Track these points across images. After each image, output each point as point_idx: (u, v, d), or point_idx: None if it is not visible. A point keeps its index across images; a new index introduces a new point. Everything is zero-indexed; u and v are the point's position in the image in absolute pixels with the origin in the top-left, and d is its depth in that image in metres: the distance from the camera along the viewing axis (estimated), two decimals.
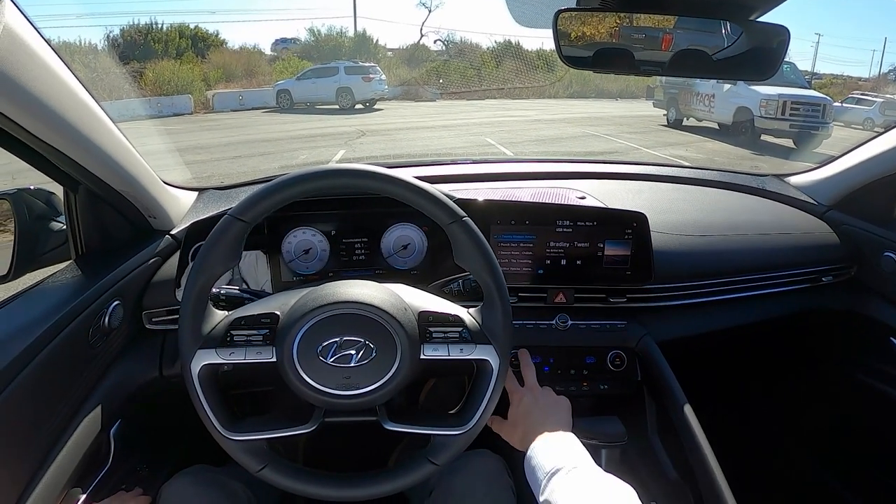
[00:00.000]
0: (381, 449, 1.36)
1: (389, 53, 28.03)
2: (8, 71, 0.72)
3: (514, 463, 1.19)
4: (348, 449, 1.35)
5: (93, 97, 0.96)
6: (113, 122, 1.03)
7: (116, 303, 1.09)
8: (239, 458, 0.84)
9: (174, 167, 7.26)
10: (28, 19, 0.76)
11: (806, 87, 12.19)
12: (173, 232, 1.28)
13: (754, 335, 1.58)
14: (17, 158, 0.92)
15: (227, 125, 14.03)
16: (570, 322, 1.31)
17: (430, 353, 0.84)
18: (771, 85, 10.94)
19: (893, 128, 1.41)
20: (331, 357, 0.80)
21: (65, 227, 1.14)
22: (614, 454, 1.19)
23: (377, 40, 28.36)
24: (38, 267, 1.09)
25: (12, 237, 1.04)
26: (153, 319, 1.20)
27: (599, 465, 1.17)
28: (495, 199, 1.27)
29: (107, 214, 1.17)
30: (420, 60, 26.26)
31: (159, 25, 22.92)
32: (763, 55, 1.05)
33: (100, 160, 1.01)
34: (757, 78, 1.09)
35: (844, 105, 17.17)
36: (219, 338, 0.82)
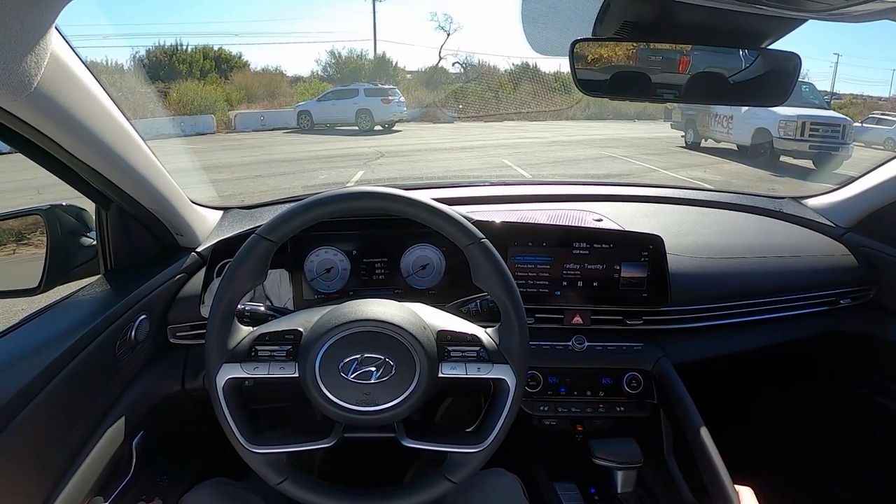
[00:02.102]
0: (395, 465, 1.37)
1: (408, 76, 28.29)
2: (54, 95, 0.76)
3: (529, 482, 1.20)
4: (362, 465, 1.36)
5: (126, 118, 0.99)
6: (145, 142, 1.07)
7: (143, 317, 1.12)
8: (260, 470, 0.86)
9: (198, 185, 7.36)
10: (71, 46, 0.79)
11: (825, 108, 12.06)
12: (199, 249, 1.32)
13: (772, 358, 1.57)
14: (43, 174, 0.95)
15: (248, 145, 14.21)
16: (586, 343, 1.32)
17: (448, 371, 0.86)
18: (790, 106, 10.82)
19: None
20: (351, 373, 0.82)
21: (95, 242, 1.18)
22: (630, 476, 1.19)
23: (396, 63, 28.64)
24: (67, 281, 1.13)
25: (43, 251, 1.08)
26: (177, 334, 1.23)
27: (615, 486, 1.18)
28: (513, 220, 1.29)
29: (136, 231, 1.20)
30: (438, 83, 26.48)
31: (184, 47, 23.40)
32: (776, 80, 1.06)
33: (133, 179, 1.05)
34: (769, 104, 1.10)
35: (864, 125, 16.93)
36: (243, 352, 0.85)
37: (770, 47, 1.01)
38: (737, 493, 1.03)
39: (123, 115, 0.98)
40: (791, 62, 1.01)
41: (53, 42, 0.72)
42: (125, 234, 1.18)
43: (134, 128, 1.02)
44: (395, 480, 0.94)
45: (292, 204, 0.86)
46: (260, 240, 0.84)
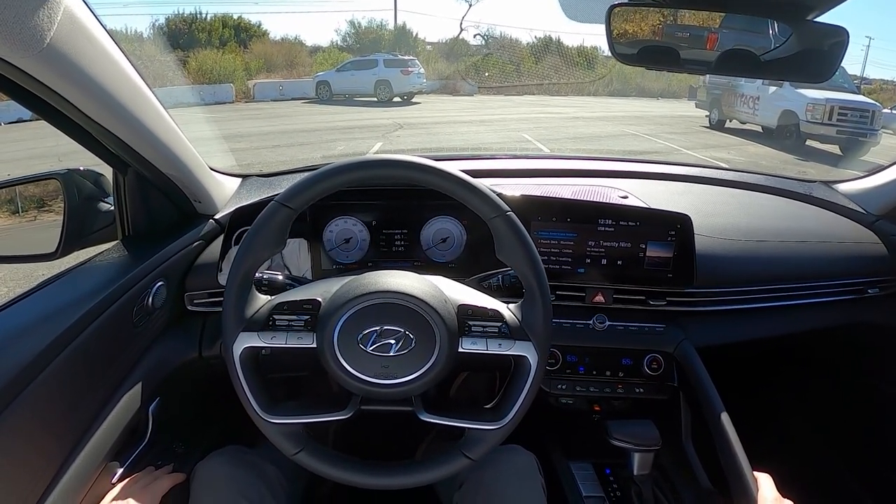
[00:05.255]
0: (409, 440, 1.37)
1: (429, 47, 28.05)
2: (68, 53, 0.74)
3: (545, 460, 1.18)
4: (375, 437, 1.36)
5: (146, 83, 0.97)
6: (164, 107, 1.05)
7: (160, 284, 1.11)
8: (276, 440, 0.85)
9: (218, 153, 7.38)
10: (87, 4, 0.77)
11: (855, 92, 11.74)
12: (217, 217, 1.30)
13: (796, 346, 1.54)
14: (65, 141, 0.94)
15: (267, 114, 14.22)
16: (607, 323, 1.29)
17: (468, 346, 0.84)
18: (818, 89, 10.59)
19: None
20: (370, 345, 0.81)
21: (112, 208, 1.17)
22: (647, 459, 1.17)
23: (416, 34, 28.44)
24: (85, 246, 1.12)
25: (61, 216, 1.07)
26: (195, 301, 1.22)
27: (631, 468, 1.17)
28: (536, 195, 1.27)
29: (154, 197, 1.19)
30: (459, 55, 26.21)
31: (203, 15, 23.36)
32: (817, 57, 1.01)
33: (150, 144, 1.03)
34: (812, 81, 1.06)
35: (894, 112, 16.54)
36: (261, 321, 0.84)
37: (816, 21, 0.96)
38: (755, 479, 1.01)
39: (142, 78, 0.96)
40: (837, 37, 0.96)
41: None
42: (143, 199, 1.17)
43: (153, 92, 1.00)
44: (407, 454, 0.93)
45: (315, 171, 0.84)
46: (279, 207, 0.82)
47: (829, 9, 0.95)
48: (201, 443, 1.30)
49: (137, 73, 0.94)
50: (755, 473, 1.02)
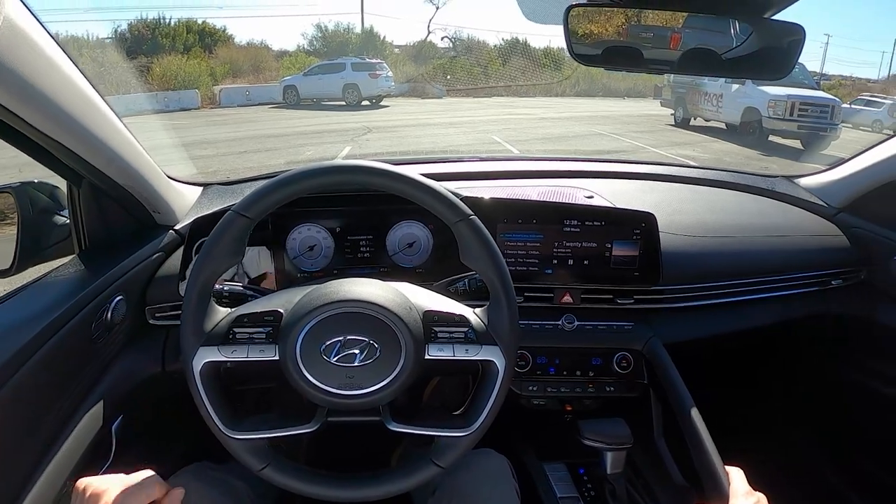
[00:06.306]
0: (385, 448, 1.35)
1: (396, 50, 28.00)
2: (8, 63, 0.71)
3: (518, 463, 1.18)
4: (351, 448, 1.34)
5: (97, 91, 0.95)
6: (117, 116, 1.02)
7: (119, 298, 1.08)
8: (241, 456, 0.83)
9: (179, 162, 7.27)
10: (31, 11, 0.74)
11: (815, 88, 12.09)
12: (177, 227, 1.28)
13: (763, 339, 1.56)
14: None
15: (233, 120, 14.03)
16: (576, 323, 1.30)
17: (434, 353, 0.83)
18: (779, 86, 10.88)
19: None
20: (334, 356, 0.79)
21: (68, 221, 1.13)
22: (619, 457, 1.17)
23: (384, 37, 28.33)
24: (41, 261, 1.08)
25: (15, 231, 1.03)
26: (156, 315, 1.19)
27: (604, 467, 1.17)
28: (502, 197, 1.26)
29: (110, 209, 1.16)
30: (427, 57, 26.21)
31: (167, 20, 22.97)
32: (776, 55, 1.03)
33: (102, 155, 1.00)
34: (771, 78, 1.08)
35: (853, 107, 17.03)
36: (221, 335, 0.82)
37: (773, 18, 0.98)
38: (727, 473, 1.02)
39: (93, 87, 0.94)
40: (794, 35, 0.98)
41: (6, 5, 0.67)
42: (99, 212, 1.14)
43: (105, 101, 0.98)
44: (383, 462, 0.92)
45: (271, 179, 0.82)
46: (236, 216, 0.80)
47: (786, 6, 0.97)
48: (168, 460, 1.27)
49: (88, 81, 0.92)
50: (727, 468, 1.03)
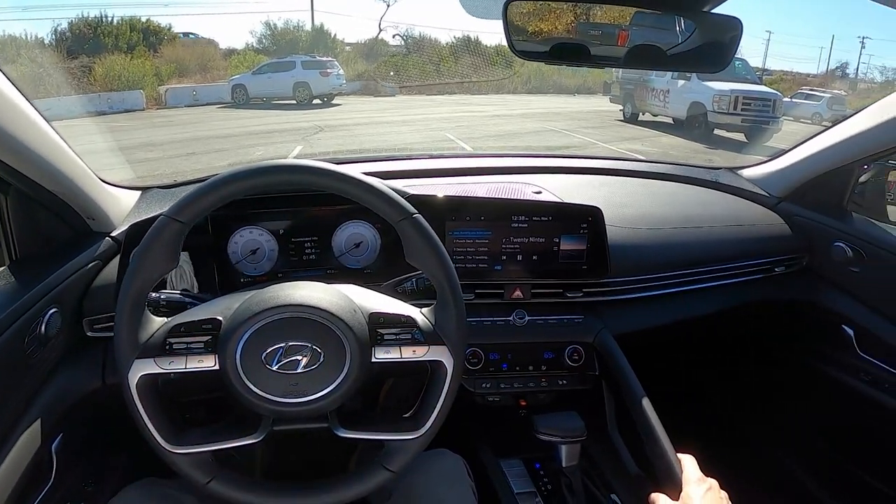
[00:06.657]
0: (342, 454, 1.33)
1: (347, 48, 27.66)
2: None
3: (474, 461, 1.17)
4: (308, 456, 1.31)
5: (21, 93, 0.90)
6: (45, 119, 0.97)
7: (54, 310, 1.03)
8: (184, 471, 0.80)
9: (119, 166, 7.00)
10: None
11: (757, 83, 12.54)
12: (114, 234, 1.22)
13: (710, 326, 1.60)
14: None
15: (180, 121, 13.62)
16: (527, 318, 1.30)
17: (381, 356, 0.81)
18: (724, 81, 11.24)
19: (841, 122, 1.44)
20: (276, 364, 0.77)
21: None
22: (574, 450, 1.18)
23: (335, 35, 27.87)
24: None
25: None
26: (94, 326, 1.14)
27: (559, 461, 1.18)
28: (451, 194, 1.25)
29: (42, 217, 1.10)
30: (379, 55, 26.00)
31: (109, 18, 22.08)
32: (716, 48, 1.05)
33: (28, 160, 0.95)
34: (711, 70, 1.11)
35: (794, 100, 17.66)
36: (157, 346, 0.78)
37: (712, 12, 1.00)
38: (679, 461, 1.03)
39: (17, 89, 0.89)
40: (732, 29, 1.01)
41: None
42: (30, 220, 1.08)
43: (32, 104, 0.93)
44: (342, 468, 0.90)
45: (203, 182, 0.79)
46: (169, 221, 0.77)
47: (722, 2, 0.99)
48: (113, 477, 1.22)
49: (11, 83, 0.87)
50: (679, 455, 1.04)
